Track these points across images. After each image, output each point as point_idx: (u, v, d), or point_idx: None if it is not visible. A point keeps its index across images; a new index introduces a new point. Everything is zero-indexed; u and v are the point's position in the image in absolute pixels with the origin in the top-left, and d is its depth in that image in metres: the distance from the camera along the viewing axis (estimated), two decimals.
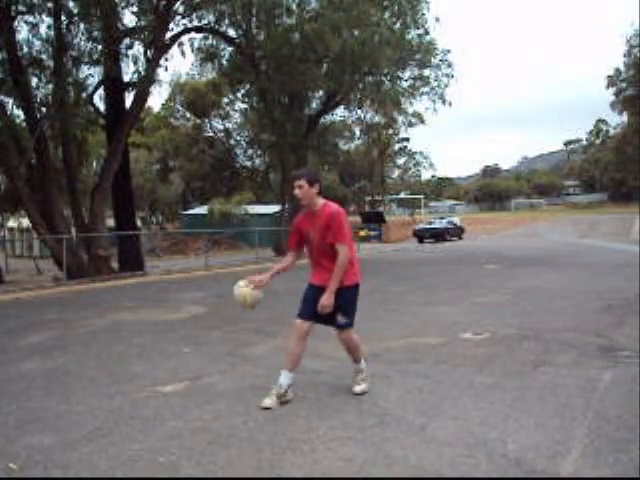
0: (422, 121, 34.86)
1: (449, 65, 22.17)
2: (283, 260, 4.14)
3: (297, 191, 3.80)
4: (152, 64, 15.56)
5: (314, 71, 19.12)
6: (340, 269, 3.71)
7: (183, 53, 19.21)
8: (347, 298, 3.82)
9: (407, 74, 22.58)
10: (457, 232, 33.19)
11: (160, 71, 17.08)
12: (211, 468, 2.84)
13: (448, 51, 22.02)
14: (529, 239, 29.60)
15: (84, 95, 17.09)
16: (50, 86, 15.08)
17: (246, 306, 3.91)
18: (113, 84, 16.51)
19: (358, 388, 3.93)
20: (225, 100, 34.29)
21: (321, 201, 3.85)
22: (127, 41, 16.29)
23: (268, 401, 3.69)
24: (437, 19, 22.78)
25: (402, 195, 66.70)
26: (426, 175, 72.21)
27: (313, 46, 17.30)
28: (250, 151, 39.30)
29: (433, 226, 32.69)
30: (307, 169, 4.07)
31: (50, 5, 14.30)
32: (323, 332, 5.99)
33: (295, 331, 3.82)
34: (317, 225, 3.80)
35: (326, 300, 3.70)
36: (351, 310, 3.86)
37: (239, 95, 28.79)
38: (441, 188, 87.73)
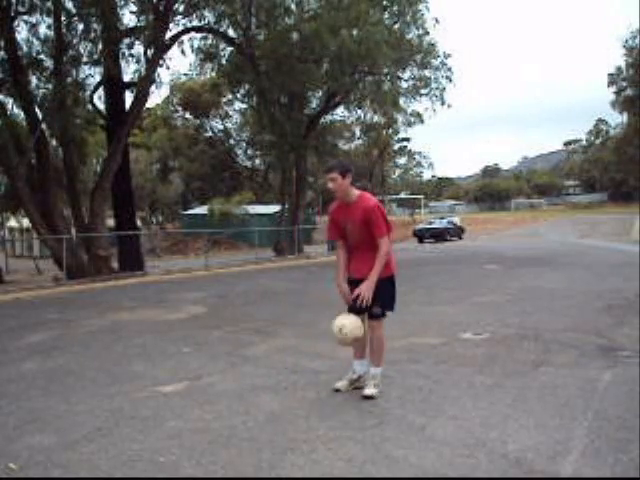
0: (421, 120, 34.84)
1: (449, 68, 22.18)
2: (339, 259, 3.98)
3: (331, 184, 3.74)
4: (152, 64, 15.56)
5: (313, 71, 19.11)
6: (380, 261, 3.70)
7: (183, 52, 19.19)
8: (382, 290, 3.79)
9: (407, 74, 22.60)
10: (457, 232, 33.20)
11: (160, 71, 17.07)
12: (211, 468, 2.84)
13: (448, 55, 22.03)
14: (529, 239, 29.60)
15: (84, 95, 17.12)
16: (50, 86, 15.09)
17: (345, 341, 3.78)
18: (113, 84, 16.51)
19: (368, 391, 3.79)
20: (224, 100, 34.28)
21: (356, 192, 3.80)
22: (127, 41, 16.31)
23: (339, 384, 3.91)
24: (436, 20, 22.77)
25: (402, 195, 66.73)
26: (426, 175, 72.29)
27: (311, 46, 17.30)
28: (250, 151, 39.31)
29: (433, 226, 32.70)
30: (339, 160, 4.08)
31: (50, 5, 14.31)
32: (322, 332, 5.99)
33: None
34: (354, 218, 3.75)
35: (366, 290, 3.68)
36: (387, 301, 3.88)
37: (238, 95, 28.78)
38: (441, 188, 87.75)
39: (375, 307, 3.81)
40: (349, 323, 3.73)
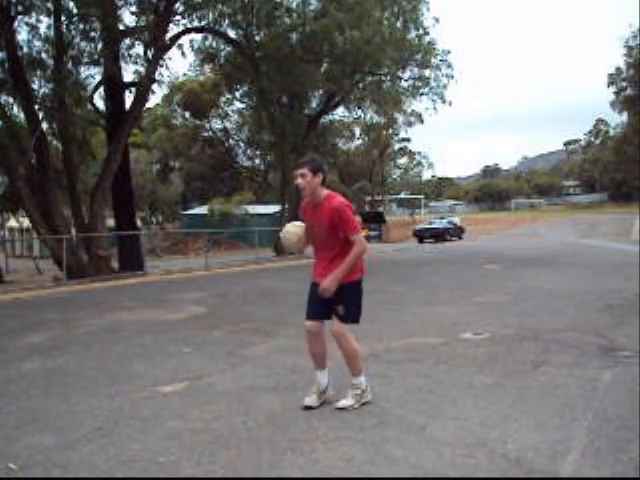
0: (421, 121, 34.91)
1: (449, 65, 22.16)
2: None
3: (300, 180, 3.55)
4: (152, 64, 15.56)
5: (314, 71, 19.12)
6: (354, 258, 3.50)
7: (183, 54, 19.21)
8: (347, 294, 3.60)
9: (407, 74, 22.59)
10: (457, 232, 33.22)
11: (160, 71, 17.01)
12: (211, 468, 2.84)
13: (448, 52, 22.01)
14: (529, 239, 29.61)
15: (84, 95, 17.11)
16: (50, 86, 15.08)
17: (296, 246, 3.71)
18: (113, 84, 16.50)
19: (341, 402, 3.61)
20: (223, 99, 34.26)
21: (324, 192, 3.60)
22: (127, 41, 16.31)
23: (309, 400, 3.63)
24: (436, 19, 22.79)
25: (402, 195, 66.71)
26: (426, 175, 72.34)
27: (314, 45, 17.32)
28: (250, 151, 39.31)
29: (433, 226, 32.71)
30: (311, 157, 3.78)
31: (50, 5, 14.30)
32: None
33: (307, 333, 3.70)
34: (321, 220, 3.57)
35: (328, 283, 3.47)
36: (355, 306, 3.63)
37: (237, 95, 28.81)
38: (441, 188, 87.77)
39: (340, 307, 3.59)
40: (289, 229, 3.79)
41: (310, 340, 3.70)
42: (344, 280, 3.55)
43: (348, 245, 3.56)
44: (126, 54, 16.43)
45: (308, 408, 3.58)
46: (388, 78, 21.71)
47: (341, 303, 3.60)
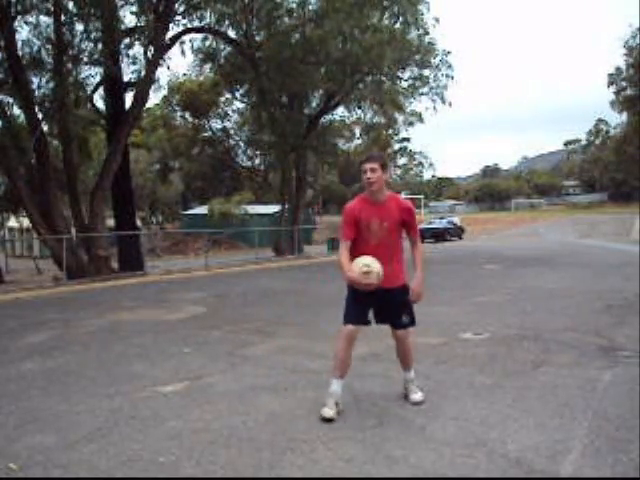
0: (421, 120, 34.83)
1: (449, 66, 22.15)
2: (344, 257, 3.51)
3: (370, 174, 3.51)
4: (152, 64, 15.56)
5: (314, 72, 19.14)
6: (422, 257, 3.75)
7: (183, 52, 19.24)
8: (406, 297, 3.70)
9: (407, 74, 22.58)
10: (457, 232, 33.23)
11: (161, 71, 17.09)
12: (211, 468, 2.84)
13: (448, 52, 22.00)
14: (529, 239, 29.62)
15: (84, 95, 17.12)
16: (50, 86, 15.09)
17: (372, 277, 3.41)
18: (113, 84, 16.52)
19: (417, 396, 3.73)
20: (222, 99, 34.24)
21: (386, 191, 3.61)
22: (127, 41, 16.32)
23: (329, 412, 3.42)
24: (437, 19, 22.78)
25: (402, 195, 66.74)
26: (426, 175, 72.42)
27: (314, 49, 17.34)
28: (250, 151, 39.27)
29: (433, 226, 32.72)
30: (379, 153, 3.81)
31: (50, 5, 14.30)
32: (322, 332, 5.99)
33: (345, 337, 3.57)
34: (387, 217, 3.54)
35: (420, 289, 3.63)
36: (412, 310, 3.74)
37: (237, 95, 28.79)
38: (441, 188, 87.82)
39: (404, 316, 3.68)
40: (372, 261, 3.38)
41: (346, 346, 3.56)
42: (397, 284, 3.64)
43: (399, 246, 3.68)
44: (126, 54, 16.46)
45: (328, 420, 3.39)
46: (388, 78, 21.70)
47: (405, 308, 3.68)
